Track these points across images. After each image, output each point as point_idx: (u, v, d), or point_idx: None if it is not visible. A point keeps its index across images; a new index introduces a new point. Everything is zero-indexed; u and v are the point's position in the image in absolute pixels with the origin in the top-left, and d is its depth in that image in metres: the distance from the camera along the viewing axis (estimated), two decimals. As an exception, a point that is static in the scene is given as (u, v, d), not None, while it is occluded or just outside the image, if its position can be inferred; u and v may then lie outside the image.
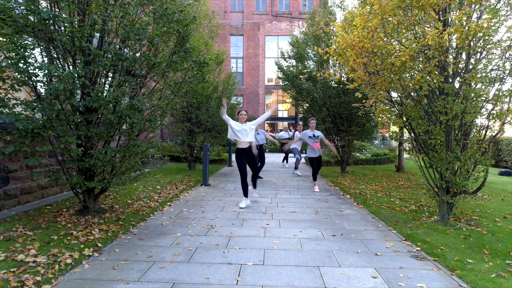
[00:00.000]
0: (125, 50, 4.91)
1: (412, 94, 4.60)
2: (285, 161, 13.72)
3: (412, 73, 4.35)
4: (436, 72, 4.04)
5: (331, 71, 7.81)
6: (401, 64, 4.22)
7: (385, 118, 4.97)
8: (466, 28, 3.83)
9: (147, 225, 4.63)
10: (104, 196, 6.36)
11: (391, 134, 5.21)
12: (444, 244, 3.89)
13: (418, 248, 3.79)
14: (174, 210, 5.55)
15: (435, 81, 4.12)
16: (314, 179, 7.82)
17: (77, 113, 4.47)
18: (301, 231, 4.42)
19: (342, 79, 9.67)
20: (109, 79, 4.66)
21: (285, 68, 11.34)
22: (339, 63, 8.19)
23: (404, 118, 4.91)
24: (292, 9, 28.72)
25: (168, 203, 5.98)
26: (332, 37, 10.22)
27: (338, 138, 10.97)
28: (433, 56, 4.01)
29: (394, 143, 26.46)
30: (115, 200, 6.12)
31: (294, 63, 11.30)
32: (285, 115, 29.07)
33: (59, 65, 4.29)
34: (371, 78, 4.96)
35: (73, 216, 4.88)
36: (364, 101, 7.72)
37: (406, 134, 10.09)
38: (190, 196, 6.81)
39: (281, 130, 14.60)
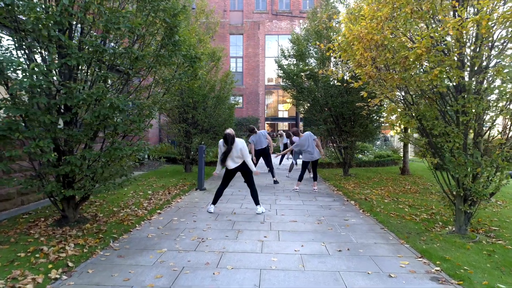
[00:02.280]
0: (110, 43, 4.44)
1: (427, 92, 4.11)
2: (287, 165, 13.28)
3: (428, 68, 3.86)
4: (457, 66, 3.55)
5: (333, 69, 7.31)
6: (416, 57, 3.74)
7: (395, 118, 4.47)
8: (495, 15, 3.34)
9: (130, 238, 4.14)
10: (89, 203, 5.88)
11: (401, 136, 4.70)
12: (467, 263, 3.41)
13: (438, 268, 3.30)
14: (164, 219, 5.07)
15: (455, 77, 3.63)
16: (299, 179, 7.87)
17: (56, 113, 4.01)
18: (302, 246, 3.94)
19: (345, 77, 9.21)
20: (89, 75, 4.17)
21: (285, 66, 10.85)
22: (341, 61, 7.70)
23: (416, 119, 4.42)
24: (292, 8, 28.25)
25: (158, 211, 5.50)
26: (334, 33, 9.75)
27: (341, 139, 10.47)
28: (453, 48, 3.52)
29: (396, 144, 25.94)
30: (100, 207, 5.64)
31: (295, 61, 10.81)
32: (286, 115, 28.58)
33: (32, 58, 3.81)
34: (381, 74, 4.47)
35: (49, 227, 4.40)
36: (369, 100, 7.26)
37: (413, 135, 9.61)
38: (183, 202, 6.33)
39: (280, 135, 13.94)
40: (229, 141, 5.19)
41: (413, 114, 4.29)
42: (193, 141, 10.68)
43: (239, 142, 5.29)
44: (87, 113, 3.67)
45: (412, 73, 3.88)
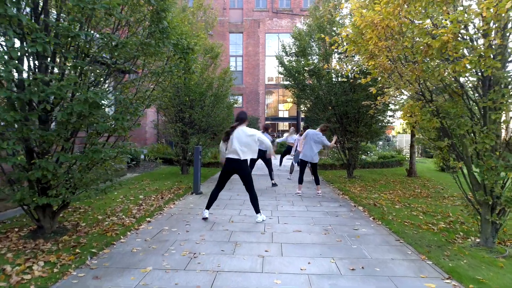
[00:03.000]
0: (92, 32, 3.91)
1: (451, 85, 3.59)
2: (288, 166, 12.78)
3: (452, 58, 3.34)
4: (491, 55, 3.03)
5: (337, 67, 6.77)
6: (441, 45, 3.22)
7: (414, 117, 3.94)
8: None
9: (112, 253, 3.62)
10: (72, 210, 5.37)
11: (419, 138, 4.16)
12: (504, 287, 2.89)
13: (472, 293, 2.79)
14: (153, 228, 4.55)
15: (487, 68, 3.11)
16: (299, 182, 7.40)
17: (27, 110, 3.49)
18: (309, 263, 3.41)
19: (351, 74, 8.68)
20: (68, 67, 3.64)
21: (286, 63, 10.32)
22: (346, 56, 7.15)
23: (438, 117, 3.90)
24: (293, 6, 27.74)
25: (148, 219, 4.98)
26: (338, 28, 9.23)
27: (345, 139, 9.95)
28: (486, 33, 3.01)
29: (399, 144, 25.39)
30: (84, 215, 5.12)
31: (297, 58, 10.28)
32: (286, 115, 28.05)
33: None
34: (397, 66, 3.95)
35: (22, 239, 3.88)
36: (378, 97, 6.74)
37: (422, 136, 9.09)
38: (177, 208, 5.80)
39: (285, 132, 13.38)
40: (240, 118, 4.81)
41: (435, 112, 3.77)
42: (190, 141, 10.17)
43: (251, 131, 4.82)
44: (59, 110, 3.15)
45: (435, 64, 3.37)
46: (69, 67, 3.30)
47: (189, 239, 4.11)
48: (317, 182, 7.40)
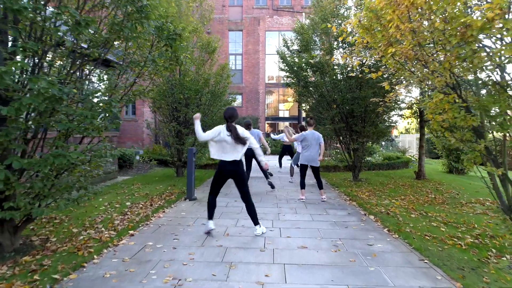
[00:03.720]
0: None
1: (492, 74, 2.96)
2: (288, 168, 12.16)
3: (498, 40, 2.70)
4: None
5: (346, 59, 6.11)
6: (484, 24, 2.58)
7: (444, 114, 3.30)
8: None
9: (79, 279, 2.99)
10: (46, 220, 4.73)
11: (448, 139, 3.50)
12: None
13: None
14: (135, 244, 3.91)
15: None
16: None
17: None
18: (320, 293, 2.78)
19: (359, 68, 8.02)
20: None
21: (288, 58, 9.67)
22: (352, 50, 6.50)
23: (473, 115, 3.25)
24: (294, 3, 27.11)
25: (131, 232, 4.34)
26: (342, 21, 8.60)
27: (351, 140, 9.30)
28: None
29: (401, 145, 24.71)
30: (58, 227, 4.48)
31: (299, 53, 9.63)
32: (287, 115, 27.41)
33: None
34: (423, 53, 3.31)
35: (-26, 260, 3.25)
36: (390, 93, 6.11)
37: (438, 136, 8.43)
38: (166, 217, 5.17)
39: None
40: (234, 115, 4.23)
41: (470, 108, 3.13)
42: (185, 142, 9.53)
43: (244, 130, 4.30)
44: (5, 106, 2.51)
45: (476, 47, 2.73)
46: (13, 48, 2.66)
47: (175, 259, 3.47)
48: (320, 186, 6.76)
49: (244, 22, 27.45)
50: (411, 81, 5.41)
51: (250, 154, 7.82)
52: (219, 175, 4.29)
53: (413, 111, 10.69)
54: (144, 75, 3.74)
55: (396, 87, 5.62)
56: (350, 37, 5.50)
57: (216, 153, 4.22)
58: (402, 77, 5.14)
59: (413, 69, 3.85)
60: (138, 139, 22.42)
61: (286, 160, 12.99)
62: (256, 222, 4.38)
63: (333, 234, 4.46)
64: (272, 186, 7.83)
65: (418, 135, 26.18)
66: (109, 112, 3.16)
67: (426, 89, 10.19)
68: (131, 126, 22.70)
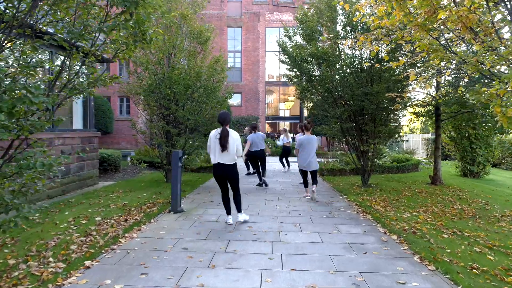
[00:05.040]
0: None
1: None
2: (286, 166, 11.21)
3: None
4: None
5: (364, 43, 5.04)
6: None
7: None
8: None
9: None
10: (-16, 245, 3.72)
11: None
12: None
13: None
14: (86, 284, 2.90)
15: None
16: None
17: None
18: None
19: (380, 53, 6.96)
20: None
21: (290, 50, 8.64)
22: (372, 33, 5.44)
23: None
24: (295, -2, 26.16)
25: (87, 262, 3.33)
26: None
27: (361, 141, 8.26)
28: None
29: (406, 145, 23.55)
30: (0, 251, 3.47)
31: (302, 43, 8.60)
32: (287, 114, 26.38)
33: None
34: (482, 26, 2.29)
35: None
36: (410, 88, 5.10)
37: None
38: (140, 238, 4.16)
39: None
40: (228, 119, 4.57)
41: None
42: (175, 143, 8.52)
43: (233, 133, 4.61)
44: None
45: None
46: None
47: (134, 312, 2.46)
48: (315, 182, 6.76)
49: (244, 18, 26.51)
50: (443, 70, 4.40)
51: (256, 155, 8.19)
52: (216, 178, 4.68)
53: (427, 109, 9.68)
54: (99, 55, 2.75)
55: (419, 79, 4.60)
56: (367, 18, 4.50)
57: (211, 156, 4.59)
58: (431, 65, 4.12)
59: (457, 49, 2.84)
60: (133, 139, 21.40)
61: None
62: (239, 210, 4.83)
63: (350, 264, 3.44)
64: (266, 184, 8.15)
65: (423, 136, 25.14)
66: (28, 103, 2.16)
67: (444, 82, 9.21)
68: (125, 126, 21.69)
